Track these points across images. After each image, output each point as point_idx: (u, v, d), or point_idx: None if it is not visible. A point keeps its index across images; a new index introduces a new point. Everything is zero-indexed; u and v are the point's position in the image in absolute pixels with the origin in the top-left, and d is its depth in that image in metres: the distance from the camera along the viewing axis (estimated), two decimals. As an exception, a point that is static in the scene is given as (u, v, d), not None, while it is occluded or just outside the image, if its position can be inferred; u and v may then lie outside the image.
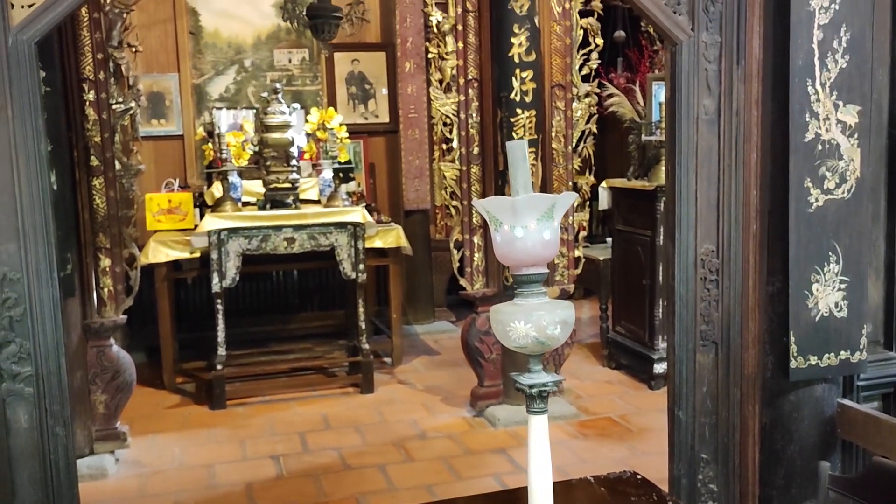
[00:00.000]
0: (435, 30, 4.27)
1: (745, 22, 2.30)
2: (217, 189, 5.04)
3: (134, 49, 3.87)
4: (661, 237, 4.50)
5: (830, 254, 2.32)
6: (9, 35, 1.85)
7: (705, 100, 2.33)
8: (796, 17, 2.23)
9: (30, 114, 1.86)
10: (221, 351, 4.62)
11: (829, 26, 2.25)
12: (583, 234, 4.42)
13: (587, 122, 4.32)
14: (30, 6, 1.87)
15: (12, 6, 1.86)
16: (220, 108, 5.76)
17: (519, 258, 1.34)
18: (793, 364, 2.32)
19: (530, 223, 1.32)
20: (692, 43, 2.31)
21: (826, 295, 2.33)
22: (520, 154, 1.37)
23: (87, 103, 3.69)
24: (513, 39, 4.02)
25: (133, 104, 3.85)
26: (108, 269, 3.79)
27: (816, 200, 2.30)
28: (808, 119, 2.27)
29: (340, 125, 5.06)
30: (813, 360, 2.34)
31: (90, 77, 3.68)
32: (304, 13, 4.60)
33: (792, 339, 2.31)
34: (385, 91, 6.22)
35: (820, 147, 2.28)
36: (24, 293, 1.89)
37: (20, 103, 1.85)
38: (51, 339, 1.93)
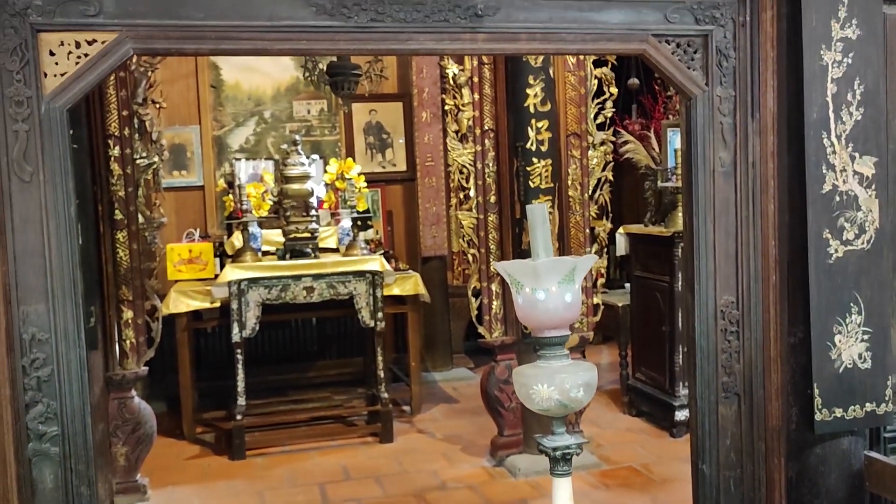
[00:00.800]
0: (451, 82, 4.35)
1: (758, 76, 2.34)
2: (237, 239, 5.10)
3: (158, 105, 3.97)
4: (680, 283, 4.49)
5: (852, 305, 2.31)
6: (42, 103, 1.91)
7: (721, 152, 2.36)
8: (810, 72, 2.26)
9: (60, 178, 1.92)
10: (241, 401, 4.62)
11: (843, 80, 2.28)
12: (601, 280, 4.42)
13: (603, 169, 4.35)
14: (62, 75, 1.94)
15: (45, 75, 1.93)
16: (240, 159, 5.86)
17: (541, 320, 1.36)
18: (818, 417, 2.30)
19: (552, 286, 1.34)
20: (707, 97, 2.34)
21: (849, 346, 2.32)
22: (539, 217, 1.39)
23: (112, 159, 3.77)
24: (528, 90, 4.08)
25: (156, 159, 3.93)
26: (130, 321, 3.83)
27: (836, 251, 2.30)
28: (824, 171, 2.29)
29: (359, 175, 5.12)
30: (838, 412, 2.32)
31: (115, 133, 3.76)
32: (325, 70, 4.72)
33: (816, 391, 2.30)
34: (402, 140, 6.30)
35: (837, 198, 2.30)
36: (52, 354, 1.92)
37: (51, 168, 1.91)
38: (77, 400, 1.95)
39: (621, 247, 5.29)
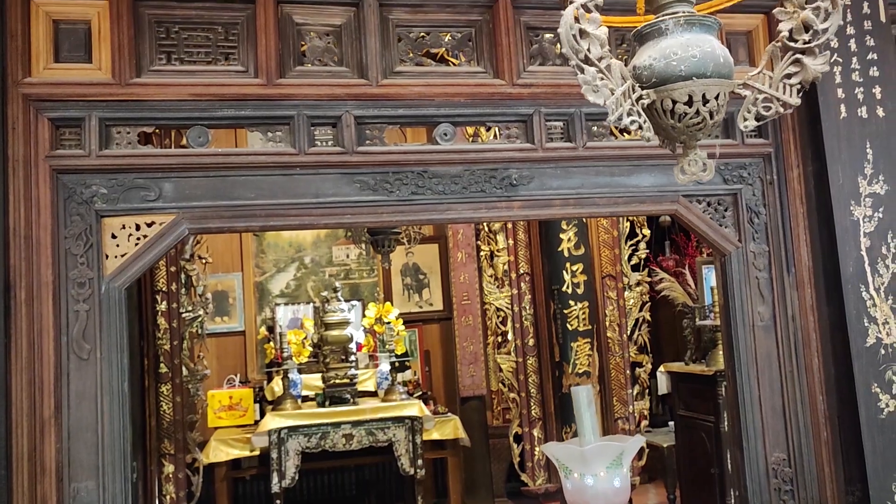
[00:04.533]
0: (485, 229, 4.47)
1: (790, 231, 2.38)
2: (277, 385, 5.13)
3: (204, 261, 4.12)
4: (726, 423, 4.37)
5: (909, 461, 2.24)
6: (102, 283, 2.01)
7: (759, 307, 2.37)
8: (841, 227, 2.30)
9: (116, 355, 1.99)
10: (279, 556, 4.50)
11: (876, 234, 2.31)
12: (644, 423, 4.33)
13: (640, 309, 4.37)
14: (122, 255, 2.05)
15: (107, 256, 2.04)
16: (280, 304, 5.97)
17: (590, 506, 1.35)
18: (886, 583, 2.18)
19: (600, 471, 1.33)
20: (741, 253, 2.38)
21: (911, 505, 2.23)
22: (584, 400, 1.41)
23: (160, 313, 3.88)
24: (561, 235, 4.18)
25: (201, 312, 4.04)
26: (171, 475, 3.81)
27: (887, 406, 2.25)
28: (866, 324, 2.28)
29: (397, 318, 5.19)
30: (907, 577, 2.20)
31: (163, 289, 3.89)
32: (366, 230, 4.97)
33: (881, 555, 2.19)
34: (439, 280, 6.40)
35: (883, 351, 2.28)
36: (100, 531, 1.93)
37: (108, 345, 1.98)
38: (122, 578, 1.94)
39: (662, 385, 5.20)
